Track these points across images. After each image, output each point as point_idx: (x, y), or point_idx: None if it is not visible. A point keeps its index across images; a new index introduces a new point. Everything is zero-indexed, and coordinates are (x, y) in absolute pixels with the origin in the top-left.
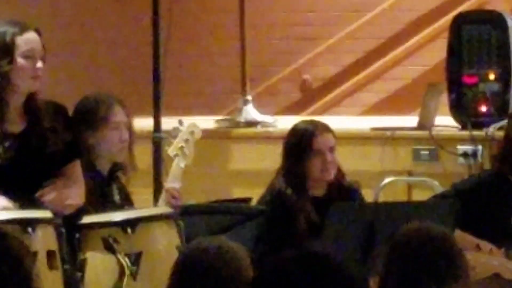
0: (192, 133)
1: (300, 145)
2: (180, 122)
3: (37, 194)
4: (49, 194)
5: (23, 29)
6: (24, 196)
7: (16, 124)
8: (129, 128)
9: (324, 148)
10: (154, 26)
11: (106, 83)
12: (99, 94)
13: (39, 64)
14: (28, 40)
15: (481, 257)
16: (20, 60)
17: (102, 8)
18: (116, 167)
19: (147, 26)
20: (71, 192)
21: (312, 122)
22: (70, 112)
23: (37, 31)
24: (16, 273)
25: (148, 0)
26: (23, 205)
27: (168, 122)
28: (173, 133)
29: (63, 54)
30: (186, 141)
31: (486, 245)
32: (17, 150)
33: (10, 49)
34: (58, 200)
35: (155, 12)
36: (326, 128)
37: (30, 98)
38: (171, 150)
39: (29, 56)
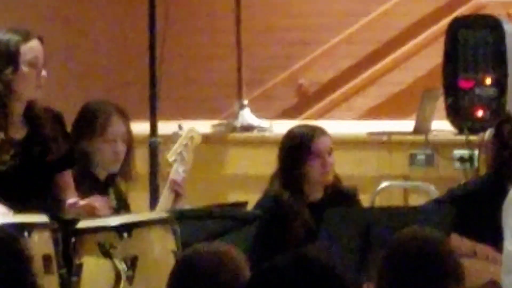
0: (191, 138)
1: (299, 149)
2: (180, 127)
3: (69, 201)
4: (81, 201)
5: (27, 37)
6: (22, 202)
7: (17, 131)
8: (128, 138)
9: (323, 151)
10: (151, 30)
11: (103, 87)
12: (100, 103)
13: (44, 73)
14: (32, 48)
15: (478, 263)
16: (24, 68)
17: (98, 13)
18: (114, 173)
19: (143, 30)
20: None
21: (308, 125)
22: (67, 118)
23: (40, 39)
24: (13, 276)
25: (144, 5)
26: (21, 211)
27: (164, 127)
28: (173, 138)
29: (59, 58)
30: (185, 146)
31: (483, 249)
32: (20, 157)
33: (15, 57)
34: (89, 208)
35: (152, 17)
36: (322, 131)
37: (30, 106)
38: (170, 156)
39: (33, 64)
